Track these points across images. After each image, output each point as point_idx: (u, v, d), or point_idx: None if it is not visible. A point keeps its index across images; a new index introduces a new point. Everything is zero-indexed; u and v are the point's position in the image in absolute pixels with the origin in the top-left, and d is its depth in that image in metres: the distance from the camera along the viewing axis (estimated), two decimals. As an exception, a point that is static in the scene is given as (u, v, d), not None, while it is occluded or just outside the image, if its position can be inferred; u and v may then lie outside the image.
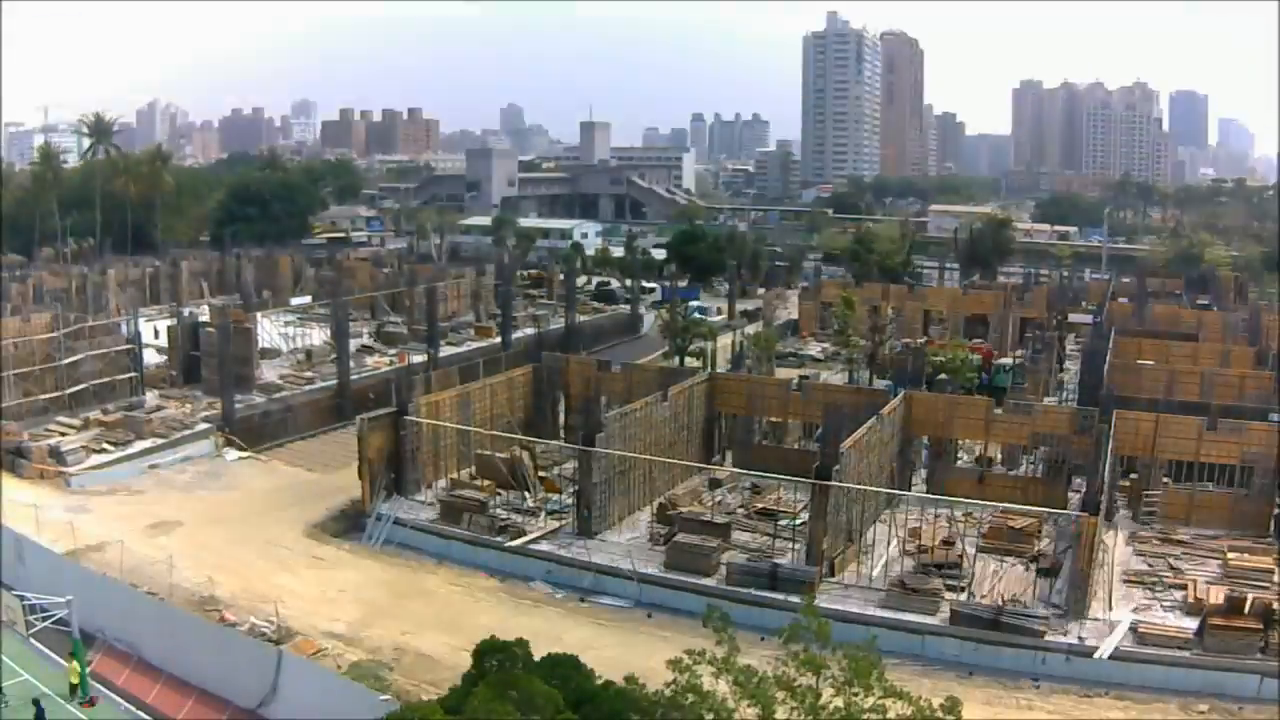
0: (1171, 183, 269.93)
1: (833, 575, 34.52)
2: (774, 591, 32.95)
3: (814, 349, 76.24)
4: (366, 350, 69.56)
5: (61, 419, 51.85)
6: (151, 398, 56.57)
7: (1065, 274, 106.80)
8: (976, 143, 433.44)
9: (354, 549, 39.38)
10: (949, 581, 33.99)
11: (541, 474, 43.92)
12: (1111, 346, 56.97)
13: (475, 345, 71.96)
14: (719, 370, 56.75)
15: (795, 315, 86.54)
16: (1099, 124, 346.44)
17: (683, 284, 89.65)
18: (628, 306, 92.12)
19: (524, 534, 38.15)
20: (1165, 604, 33.02)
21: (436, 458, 43.58)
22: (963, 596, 32.88)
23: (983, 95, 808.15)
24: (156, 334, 68.72)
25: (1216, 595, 31.72)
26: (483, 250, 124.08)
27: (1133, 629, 30.97)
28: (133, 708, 28.05)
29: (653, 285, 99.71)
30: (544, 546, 37.61)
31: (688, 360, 62.92)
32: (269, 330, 69.46)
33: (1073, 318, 77.14)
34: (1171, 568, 35.77)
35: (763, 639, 24.05)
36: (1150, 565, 36.06)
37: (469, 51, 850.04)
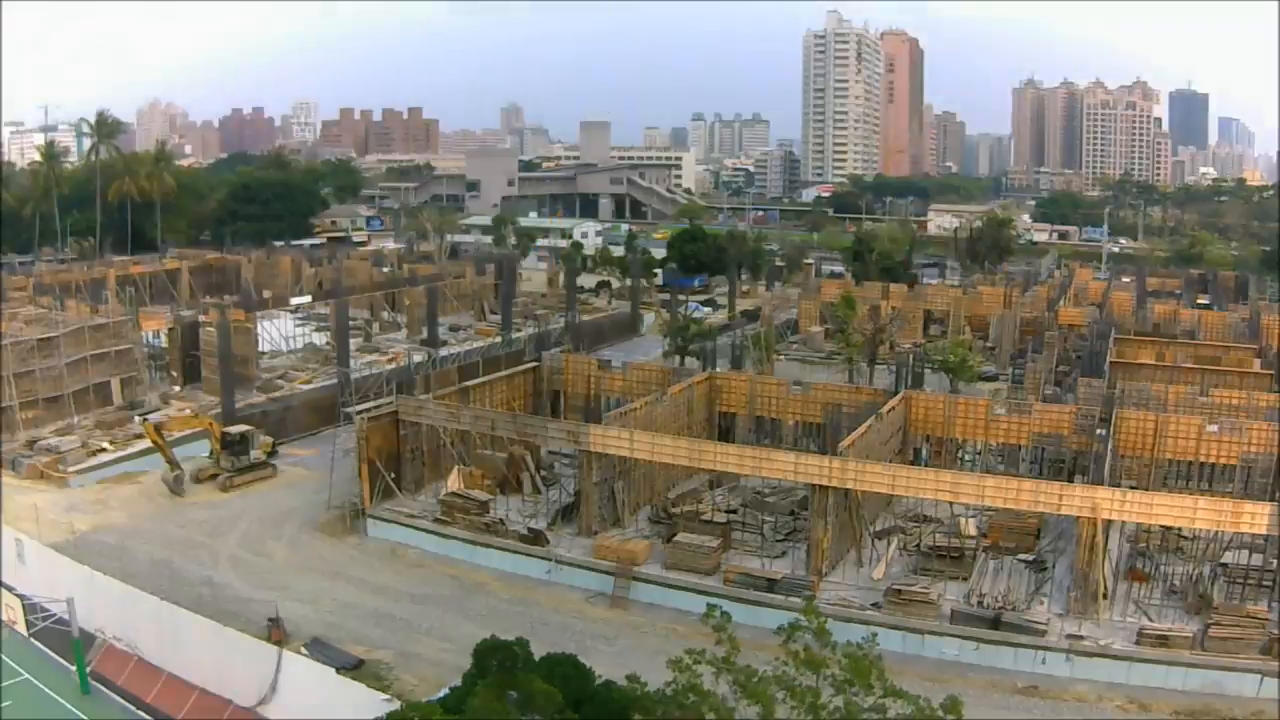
0: (1171, 182, 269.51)
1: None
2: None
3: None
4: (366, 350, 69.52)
5: (62, 418, 51.81)
6: (152, 397, 56.52)
7: (1067, 273, 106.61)
8: (976, 143, 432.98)
9: (353, 548, 39.39)
10: (950, 572, 34.08)
11: (542, 472, 43.90)
12: (1111, 346, 56.87)
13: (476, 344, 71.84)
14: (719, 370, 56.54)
15: (795, 315, 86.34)
16: (1099, 124, 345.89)
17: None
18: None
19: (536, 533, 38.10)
20: (1165, 604, 32.99)
21: (437, 458, 43.54)
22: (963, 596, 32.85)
23: (983, 95, 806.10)
24: (156, 334, 68.58)
25: (1217, 594, 31.67)
26: (483, 250, 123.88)
27: (1133, 629, 30.95)
28: (133, 707, 28.08)
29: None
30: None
31: (688, 360, 62.82)
32: (269, 330, 69.39)
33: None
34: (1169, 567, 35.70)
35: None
36: (1151, 565, 36.01)
37: (469, 51, 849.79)
